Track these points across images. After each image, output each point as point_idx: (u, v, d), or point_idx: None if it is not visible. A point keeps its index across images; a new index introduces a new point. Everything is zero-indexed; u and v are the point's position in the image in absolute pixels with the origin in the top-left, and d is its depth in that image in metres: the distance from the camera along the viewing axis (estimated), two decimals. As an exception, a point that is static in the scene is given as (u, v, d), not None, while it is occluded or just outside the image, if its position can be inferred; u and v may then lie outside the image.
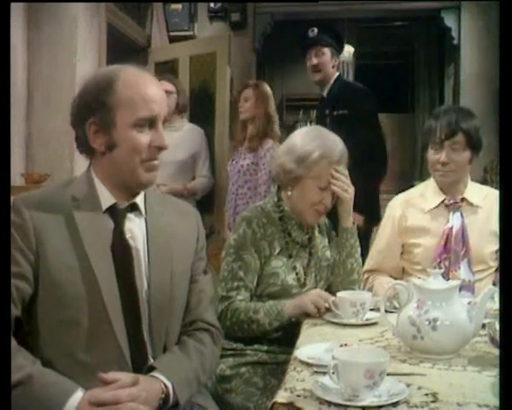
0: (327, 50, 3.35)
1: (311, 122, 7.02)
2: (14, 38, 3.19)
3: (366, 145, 2.92)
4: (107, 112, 1.30)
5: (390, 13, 5.89)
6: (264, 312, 1.73)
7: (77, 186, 1.35)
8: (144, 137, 1.30)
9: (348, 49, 6.23)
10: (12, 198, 1.32)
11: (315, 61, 3.38)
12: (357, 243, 1.95)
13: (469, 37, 5.14)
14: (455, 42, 5.28)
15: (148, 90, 1.32)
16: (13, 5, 2.81)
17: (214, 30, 5.17)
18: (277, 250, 1.82)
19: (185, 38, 4.89)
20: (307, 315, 1.69)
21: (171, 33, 5.00)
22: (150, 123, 1.31)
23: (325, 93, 3.39)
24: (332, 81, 3.35)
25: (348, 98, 3.25)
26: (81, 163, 3.47)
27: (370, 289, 2.06)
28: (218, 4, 5.09)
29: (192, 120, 4.52)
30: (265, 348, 1.81)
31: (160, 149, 1.33)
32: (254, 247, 1.79)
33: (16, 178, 3.19)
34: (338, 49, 3.38)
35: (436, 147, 2.01)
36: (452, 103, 5.87)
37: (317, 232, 1.98)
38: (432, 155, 2.03)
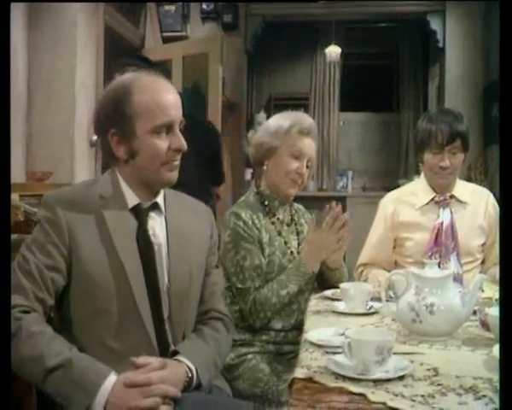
0: None
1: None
2: (14, 40, 3.23)
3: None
4: (127, 122, 1.37)
5: (377, 16, 6.02)
6: (292, 281, 1.86)
7: (103, 186, 1.43)
8: (163, 142, 1.38)
9: (335, 50, 6.32)
10: (43, 195, 1.42)
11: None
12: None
13: (454, 40, 5.28)
14: (440, 44, 5.41)
15: (163, 96, 1.38)
16: (12, 6, 2.87)
17: (206, 31, 5.24)
18: (266, 238, 1.92)
19: (178, 39, 4.97)
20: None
21: (165, 34, 5.06)
22: (168, 128, 1.39)
23: None
24: None
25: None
26: (81, 162, 3.57)
27: (365, 282, 2.19)
28: (211, 6, 5.16)
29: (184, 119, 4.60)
30: (272, 339, 1.90)
31: (179, 150, 1.41)
32: (248, 235, 1.89)
33: (17, 177, 3.26)
34: None
35: (435, 151, 2.10)
36: (437, 104, 6.02)
37: (302, 220, 2.10)
38: (431, 158, 2.12)
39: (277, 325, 1.90)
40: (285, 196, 2.00)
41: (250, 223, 1.89)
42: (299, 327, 1.93)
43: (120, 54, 4.39)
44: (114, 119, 1.38)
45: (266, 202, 1.99)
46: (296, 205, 2.13)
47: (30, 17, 3.40)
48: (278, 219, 1.99)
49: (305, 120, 1.99)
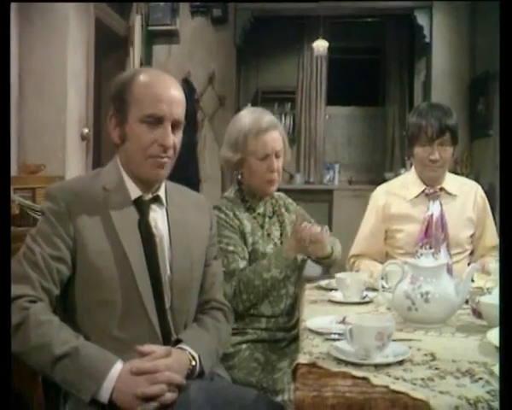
0: None
1: (285, 115, 7.19)
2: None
3: None
4: (124, 108, 1.41)
5: (364, 11, 6.07)
6: (274, 266, 1.87)
7: (106, 177, 1.45)
8: (149, 134, 1.39)
9: (323, 44, 6.34)
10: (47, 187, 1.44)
11: None
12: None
13: (441, 35, 5.36)
14: (427, 40, 5.49)
15: (160, 90, 1.41)
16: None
17: (196, 25, 5.25)
18: (249, 228, 1.95)
19: (168, 33, 4.96)
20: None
21: (154, 27, 5.06)
22: (158, 121, 1.40)
23: None
24: None
25: None
26: (72, 155, 3.57)
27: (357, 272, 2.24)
28: (201, 0, 5.17)
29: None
30: (264, 326, 1.93)
31: (164, 147, 1.40)
32: (230, 225, 1.92)
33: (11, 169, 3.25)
34: None
35: (425, 144, 2.15)
36: (423, 98, 6.11)
37: (283, 209, 2.12)
38: (421, 152, 2.17)
39: (267, 311, 1.93)
40: (266, 194, 2.03)
41: (231, 214, 1.93)
42: (288, 313, 1.98)
43: (109, 45, 4.38)
44: (115, 102, 1.43)
45: (246, 198, 2.02)
46: (277, 194, 2.14)
47: (21, 11, 3.37)
48: (259, 213, 2.02)
49: (262, 118, 1.95)
